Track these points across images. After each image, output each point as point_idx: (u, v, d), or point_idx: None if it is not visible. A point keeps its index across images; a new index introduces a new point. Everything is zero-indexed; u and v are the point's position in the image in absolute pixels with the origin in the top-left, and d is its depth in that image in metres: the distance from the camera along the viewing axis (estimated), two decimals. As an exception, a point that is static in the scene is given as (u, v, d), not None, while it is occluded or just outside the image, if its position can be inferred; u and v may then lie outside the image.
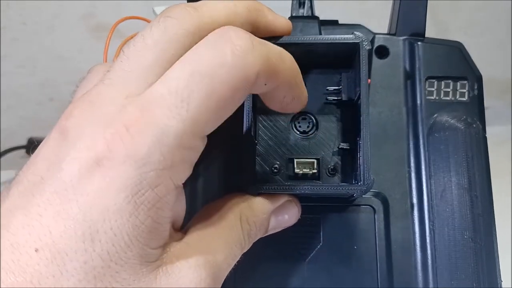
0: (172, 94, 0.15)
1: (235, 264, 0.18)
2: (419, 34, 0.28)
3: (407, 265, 0.24)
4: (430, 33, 0.61)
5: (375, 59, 0.27)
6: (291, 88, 0.18)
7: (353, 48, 0.22)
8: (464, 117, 0.25)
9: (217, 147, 0.26)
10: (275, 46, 0.18)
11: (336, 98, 0.24)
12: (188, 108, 0.15)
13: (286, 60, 0.18)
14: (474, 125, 0.25)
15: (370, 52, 0.25)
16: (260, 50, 0.16)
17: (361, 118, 0.22)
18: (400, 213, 0.25)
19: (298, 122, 0.25)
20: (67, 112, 0.16)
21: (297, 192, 0.21)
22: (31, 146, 0.52)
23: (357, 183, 0.21)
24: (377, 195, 0.25)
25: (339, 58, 0.23)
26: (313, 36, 0.23)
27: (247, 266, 0.21)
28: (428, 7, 0.58)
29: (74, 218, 0.14)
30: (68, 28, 0.55)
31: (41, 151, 0.16)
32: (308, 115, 0.25)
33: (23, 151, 0.54)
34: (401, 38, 0.27)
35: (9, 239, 0.14)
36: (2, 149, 0.53)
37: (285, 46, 0.21)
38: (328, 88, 0.24)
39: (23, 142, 0.54)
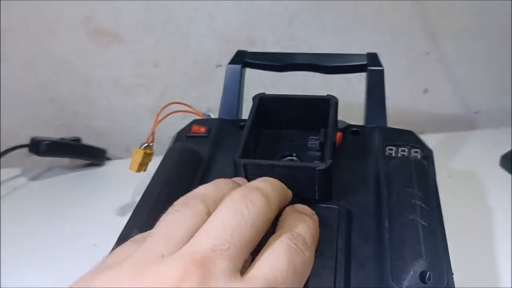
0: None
1: None
2: (382, 124, 0.37)
3: (365, 252, 0.27)
4: (422, 39, 0.65)
5: (350, 136, 0.37)
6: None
7: (327, 105, 0.33)
8: (413, 154, 0.34)
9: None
10: (262, 189, 0.23)
11: (315, 142, 0.33)
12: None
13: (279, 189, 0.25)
14: (418, 156, 0.33)
15: (345, 130, 0.37)
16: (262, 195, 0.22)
17: (329, 116, 0.31)
18: (362, 213, 0.29)
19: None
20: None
21: (272, 163, 0.28)
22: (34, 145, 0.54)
23: None
24: (341, 204, 0.30)
25: (320, 117, 0.33)
26: (293, 94, 0.35)
27: None
28: (419, 11, 0.62)
29: None
30: (68, 32, 0.57)
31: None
32: (293, 156, 0.33)
33: (25, 149, 0.56)
34: (369, 126, 0.37)
35: None
36: (5, 148, 0.55)
37: (278, 100, 0.34)
38: (311, 137, 0.34)
39: (25, 141, 0.56)
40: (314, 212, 0.26)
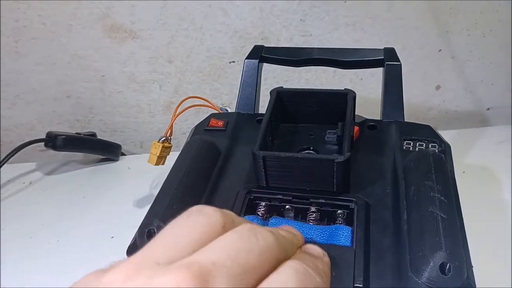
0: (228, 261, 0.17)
1: None
2: (400, 119, 0.38)
3: (384, 244, 0.27)
4: (434, 35, 0.65)
5: (367, 130, 0.37)
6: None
7: (344, 99, 0.34)
8: (431, 148, 0.35)
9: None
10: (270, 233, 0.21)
11: (333, 135, 0.34)
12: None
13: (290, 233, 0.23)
14: (436, 150, 0.33)
15: (364, 124, 0.38)
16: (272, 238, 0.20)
17: (347, 109, 0.32)
18: (380, 205, 0.30)
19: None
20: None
21: (291, 155, 0.29)
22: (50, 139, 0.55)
23: None
24: (359, 197, 0.30)
25: (337, 111, 0.34)
26: (310, 88, 0.36)
27: None
28: (432, 8, 0.62)
29: None
30: (85, 28, 0.58)
31: None
32: (310, 149, 0.34)
33: (42, 144, 0.57)
34: (386, 120, 0.38)
35: None
36: (21, 143, 0.56)
37: (295, 94, 0.35)
38: (328, 130, 0.35)
39: (41, 136, 0.57)
40: (325, 253, 0.23)
